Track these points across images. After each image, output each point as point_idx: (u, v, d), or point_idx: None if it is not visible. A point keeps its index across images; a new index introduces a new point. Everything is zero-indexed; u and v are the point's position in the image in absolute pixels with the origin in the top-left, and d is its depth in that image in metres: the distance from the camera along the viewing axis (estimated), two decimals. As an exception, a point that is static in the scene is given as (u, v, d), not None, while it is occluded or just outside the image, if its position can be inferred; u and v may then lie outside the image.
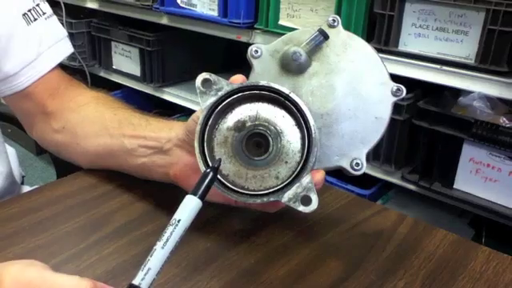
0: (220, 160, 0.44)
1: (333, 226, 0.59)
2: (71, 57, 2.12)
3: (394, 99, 0.46)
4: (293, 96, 0.44)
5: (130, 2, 1.85)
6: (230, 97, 0.45)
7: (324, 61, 0.48)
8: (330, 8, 1.31)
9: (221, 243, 0.54)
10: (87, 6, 2.09)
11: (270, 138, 0.44)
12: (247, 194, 0.44)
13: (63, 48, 0.72)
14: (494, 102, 1.21)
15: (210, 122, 0.45)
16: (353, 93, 0.47)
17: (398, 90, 0.46)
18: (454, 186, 1.23)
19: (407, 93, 1.29)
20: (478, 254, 0.55)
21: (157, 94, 1.99)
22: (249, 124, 0.45)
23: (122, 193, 0.63)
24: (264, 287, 0.48)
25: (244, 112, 0.45)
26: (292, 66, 0.48)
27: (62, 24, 0.74)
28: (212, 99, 0.45)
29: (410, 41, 1.23)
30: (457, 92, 1.26)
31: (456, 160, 1.20)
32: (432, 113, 1.20)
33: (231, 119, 0.46)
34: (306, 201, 0.43)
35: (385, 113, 0.46)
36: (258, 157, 0.45)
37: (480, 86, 1.13)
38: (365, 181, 1.43)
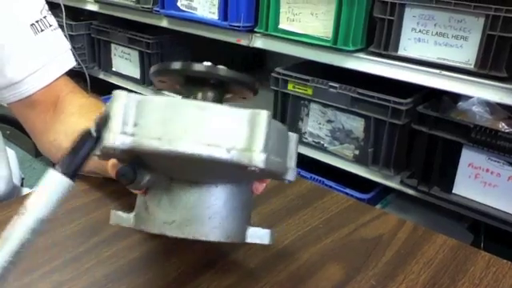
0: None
1: (333, 231, 0.59)
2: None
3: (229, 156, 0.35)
4: None
5: (130, 4, 1.85)
6: None
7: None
8: (330, 12, 1.31)
9: (220, 247, 0.54)
10: (87, 8, 2.09)
11: None
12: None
13: (67, 60, 0.74)
14: (494, 107, 1.21)
15: None
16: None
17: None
18: (453, 191, 1.23)
19: (407, 97, 1.30)
20: (477, 259, 0.55)
21: (156, 97, 1.99)
22: None
23: (120, 196, 0.62)
24: (264, 292, 0.48)
25: None
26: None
27: (62, 26, 0.75)
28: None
29: (409, 45, 1.23)
30: (456, 97, 1.26)
31: (455, 165, 1.20)
32: (431, 117, 1.20)
33: None
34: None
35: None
36: None
37: (479, 91, 1.13)
38: (364, 185, 1.43)
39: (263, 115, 0.36)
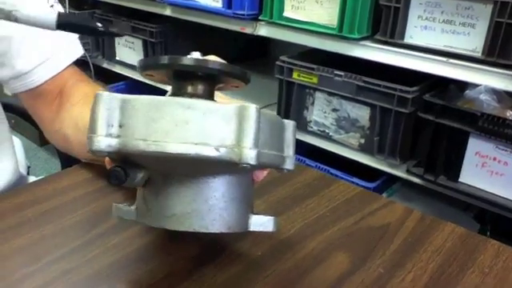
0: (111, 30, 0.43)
1: (339, 219, 0.58)
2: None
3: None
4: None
5: (134, -8, 1.84)
6: None
7: None
8: (335, 0, 1.29)
9: (227, 236, 0.54)
10: (90, -3, 2.08)
11: None
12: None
13: (75, 49, 0.73)
14: (501, 95, 1.20)
15: None
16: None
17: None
18: (460, 180, 1.22)
19: (413, 86, 1.29)
20: (487, 248, 0.54)
21: (160, 86, 1.99)
22: None
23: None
24: (271, 280, 0.48)
25: None
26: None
27: (66, 15, 0.74)
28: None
29: (416, 33, 1.22)
30: (463, 85, 1.25)
31: (462, 153, 1.20)
32: (438, 106, 1.20)
33: None
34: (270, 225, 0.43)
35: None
36: None
37: (487, 79, 1.12)
38: (370, 174, 1.42)
39: (251, 110, 0.35)
